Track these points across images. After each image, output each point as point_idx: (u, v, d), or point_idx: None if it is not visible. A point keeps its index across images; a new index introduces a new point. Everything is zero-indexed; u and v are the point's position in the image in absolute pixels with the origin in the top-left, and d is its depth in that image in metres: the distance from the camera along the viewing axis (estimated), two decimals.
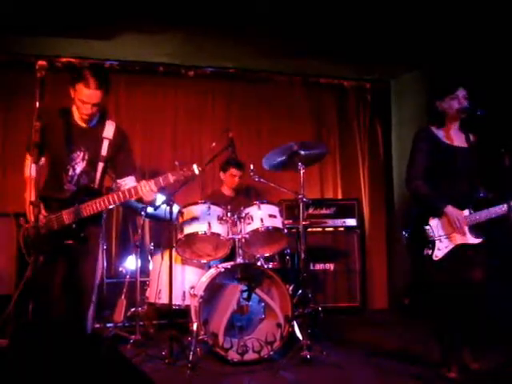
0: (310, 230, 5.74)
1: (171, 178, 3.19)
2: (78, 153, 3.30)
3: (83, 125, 3.31)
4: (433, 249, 3.35)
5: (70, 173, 3.30)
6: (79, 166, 3.31)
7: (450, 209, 3.33)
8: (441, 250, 3.36)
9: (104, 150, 3.33)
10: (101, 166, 3.34)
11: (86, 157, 3.31)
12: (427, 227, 3.41)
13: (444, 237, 3.38)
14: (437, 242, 3.36)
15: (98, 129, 3.35)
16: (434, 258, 3.34)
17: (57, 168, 3.29)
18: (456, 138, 3.54)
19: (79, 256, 3.27)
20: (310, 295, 4.74)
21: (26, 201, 3.29)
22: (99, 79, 3.14)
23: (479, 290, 3.39)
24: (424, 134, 3.55)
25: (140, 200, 3.35)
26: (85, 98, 3.16)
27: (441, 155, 3.47)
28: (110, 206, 3.22)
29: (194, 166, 3.24)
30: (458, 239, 3.36)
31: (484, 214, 3.34)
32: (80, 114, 3.26)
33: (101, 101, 3.22)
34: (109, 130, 3.37)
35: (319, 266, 5.98)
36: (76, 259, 3.26)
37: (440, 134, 3.53)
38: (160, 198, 4.43)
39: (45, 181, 3.33)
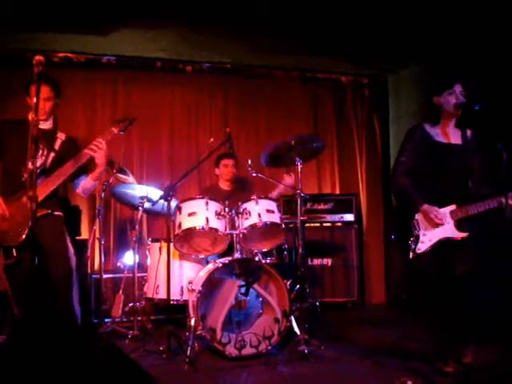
0: (307, 225, 5.76)
1: (115, 130, 3.77)
2: (38, 150, 3.58)
3: (41, 127, 3.57)
4: (416, 242, 3.40)
5: (30, 166, 3.43)
6: (38, 161, 3.60)
7: (425, 207, 3.38)
8: (424, 243, 3.39)
9: (57, 145, 3.76)
10: (52, 155, 3.70)
11: (45, 152, 3.68)
12: (413, 221, 3.44)
13: (428, 230, 3.41)
14: (420, 235, 3.40)
15: (53, 130, 3.81)
16: (417, 251, 3.38)
17: (15, 167, 3.54)
18: (450, 136, 3.53)
19: (45, 241, 3.45)
20: (307, 290, 4.75)
21: None
22: (46, 77, 3.38)
23: (463, 283, 3.36)
24: (415, 132, 3.56)
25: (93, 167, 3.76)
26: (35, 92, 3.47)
27: (431, 153, 3.48)
28: (67, 175, 3.62)
29: (130, 117, 3.87)
30: (442, 233, 3.38)
31: (472, 209, 3.34)
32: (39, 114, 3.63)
33: (50, 97, 3.67)
34: (61, 135, 3.83)
35: (317, 261, 6.00)
36: (42, 244, 3.42)
37: (433, 131, 3.52)
38: (158, 193, 4.45)
39: (2, 183, 3.67)
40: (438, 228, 3.39)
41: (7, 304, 3.64)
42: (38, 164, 3.59)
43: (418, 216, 3.44)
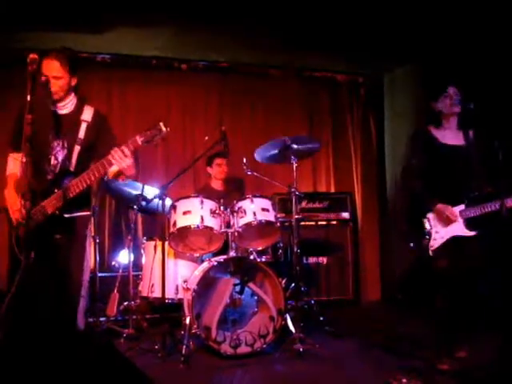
0: (302, 223, 5.74)
1: (139, 139, 3.08)
2: (58, 141, 3.30)
3: (61, 112, 3.32)
4: (429, 239, 3.56)
5: (53, 162, 3.29)
6: (60, 155, 3.30)
7: (439, 206, 3.55)
8: (436, 240, 3.56)
9: (81, 133, 3.31)
10: (77, 149, 3.30)
11: (66, 144, 3.30)
12: (425, 220, 3.60)
13: (440, 228, 3.57)
14: (433, 233, 3.57)
15: (76, 113, 3.35)
16: (430, 248, 3.56)
17: (38, 160, 3.19)
18: (452, 137, 3.69)
19: (66, 249, 3.26)
20: (302, 288, 4.75)
21: (6, 198, 3.32)
22: (58, 52, 3.17)
23: (471, 279, 3.55)
24: (420, 135, 3.76)
25: (117, 174, 3.31)
26: (45, 69, 3.15)
27: (436, 155, 3.64)
28: (88, 184, 3.16)
29: (161, 124, 3.12)
30: (453, 231, 3.54)
31: (479, 209, 3.49)
32: (53, 94, 3.24)
33: (62, 75, 3.21)
34: (87, 113, 3.36)
35: (312, 260, 6.00)
36: (63, 253, 3.25)
37: (436, 134, 3.69)
38: (153, 192, 4.44)
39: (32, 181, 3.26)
40: (449, 226, 3.55)
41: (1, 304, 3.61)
42: (60, 158, 3.28)
43: (429, 215, 3.61)
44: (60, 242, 3.24)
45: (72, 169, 3.31)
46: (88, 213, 3.40)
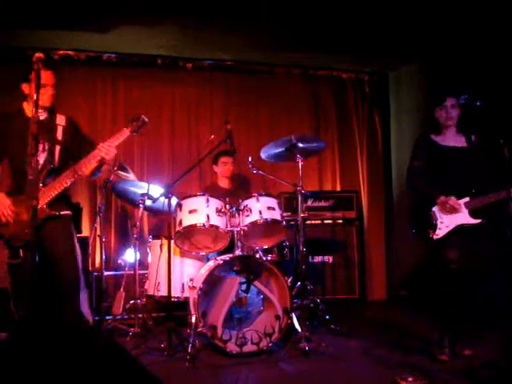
0: (308, 222, 5.75)
1: (127, 130, 3.58)
2: (38, 144, 3.39)
3: (39, 118, 3.44)
4: (434, 229, 3.70)
5: (32, 164, 3.41)
6: (42, 157, 3.51)
7: (442, 198, 3.70)
8: (442, 229, 3.70)
9: (59, 135, 3.63)
10: (58, 148, 3.60)
11: (46, 147, 3.55)
12: (430, 213, 3.74)
13: (445, 218, 3.70)
14: (438, 223, 3.70)
15: (51, 119, 3.65)
16: (435, 237, 3.69)
17: (21, 164, 3.41)
18: (453, 140, 3.86)
19: (55, 243, 3.46)
20: (308, 287, 4.75)
21: None
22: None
23: (479, 266, 3.72)
24: (422, 139, 3.94)
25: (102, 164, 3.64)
26: (44, 80, 3.34)
27: (439, 156, 3.81)
28: (76, 177, 3.50)
29: (143, 116, 3.62)
30: (458, 220, 3.68)
31: (483, 200, 3.65)
32: (43, 102, 3.48)
33: (54, 83, 3.58)
34: (61, 119, 3.69)
35: (318, 259, 6.00)
36: (52, 247, 3.44)
37: (437, 138, 3.87)
38: (158, 191, 4.45)
39: (11, 182, 3.58)
40: (454, 215, 3.69)
41: (8, 302, 3.63)
42: (42, 161, 3.49)
43: (434, 208, 3.74)
44: (50, 242, 3.43)
45: (56, 165, 3.56)
46: (69, 212, 3.62)
